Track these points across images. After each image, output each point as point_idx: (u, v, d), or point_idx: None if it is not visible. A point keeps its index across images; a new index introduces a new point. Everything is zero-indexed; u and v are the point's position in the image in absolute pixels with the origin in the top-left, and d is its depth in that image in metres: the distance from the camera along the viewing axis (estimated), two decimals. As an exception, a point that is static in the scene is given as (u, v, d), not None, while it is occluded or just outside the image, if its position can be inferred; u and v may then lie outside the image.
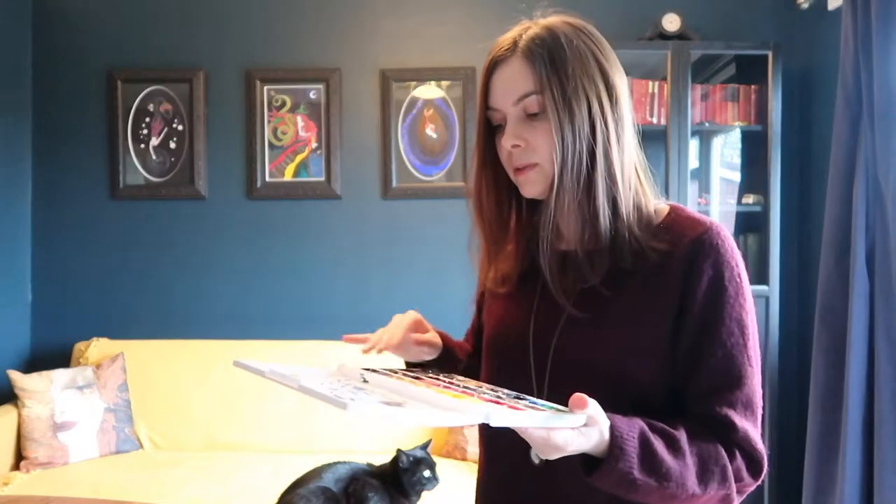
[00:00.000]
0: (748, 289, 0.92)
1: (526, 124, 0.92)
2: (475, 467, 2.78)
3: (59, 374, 2.80)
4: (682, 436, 0.84)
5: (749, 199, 2.91)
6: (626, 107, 0.94)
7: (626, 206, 0.92)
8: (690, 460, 0.83)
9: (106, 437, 2.79)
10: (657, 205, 0.97)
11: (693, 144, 2.99)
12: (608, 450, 0.78)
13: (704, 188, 3.07)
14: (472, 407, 0.73)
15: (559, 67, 0.90)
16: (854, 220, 2.28)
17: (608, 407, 0.80)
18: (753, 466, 0.88)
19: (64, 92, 3.24)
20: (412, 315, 1.06)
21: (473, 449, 2.70)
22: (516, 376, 0.95)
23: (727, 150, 3.13)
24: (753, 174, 2.95)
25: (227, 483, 2.48)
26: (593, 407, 0.76)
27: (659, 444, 0.81)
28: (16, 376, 2.76)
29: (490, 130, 0.98)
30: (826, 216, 2.42)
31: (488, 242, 1.02)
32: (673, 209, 0.97)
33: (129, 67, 3.22)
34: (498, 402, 0.78)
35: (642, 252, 0.91)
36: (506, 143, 0.93)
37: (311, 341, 3.06)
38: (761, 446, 0.89)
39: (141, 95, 3.21)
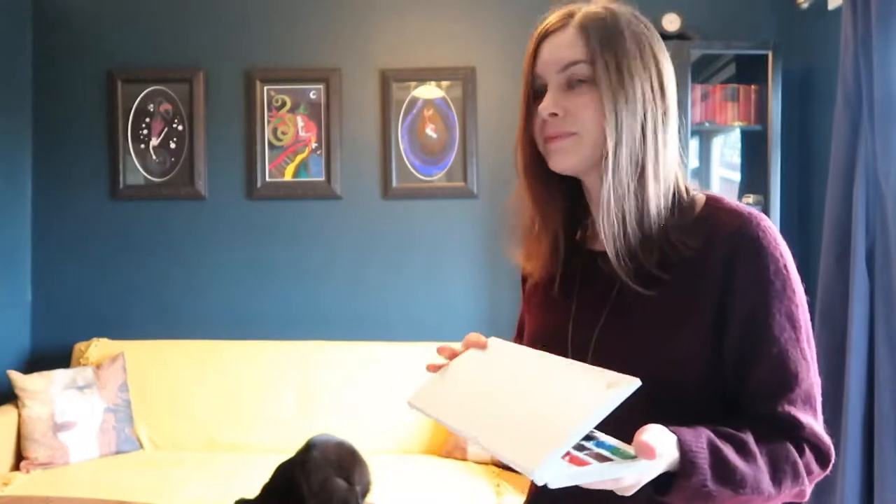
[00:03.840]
0: (797, 278, 0.88)
1: (568, 93, 0.90)
2: (476, 467, 2.79)
3: (60, 375, 2.80)
4: (749, 438, 0.82)
5: (749, 199, 2.90)
6: (673, 101, 0.92)
7: (666, 199, 0.90)
8: (762, 462, 0.81)
9: (106, 438, 2.79)
10: (694, 195, 0.95)
11: (693, 144, 2.99)
12: (679, 466, 0.76)
13: (704, 188, 3.06)
14: (543, 460, 0.68)
15: (615, 43, 0.88)
16: (854, 220, 2.28)
17: (652, 409, 0.78)
18: (821, 457, 0.87)
19: (64, 92, 3.24)
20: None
21: (474, 449, 2.70)
22: None
23: (727, 150, 3.13)
24: (753, 174, 2.94)
25: (227, 483, 2.48)
26: (659, 441, 0.72)
27: (729, 451, 0.79)
28: (16, 376, 2.76)
29: (532, 103, 0.95)
30: (826, 216, 2.41)
31: (542, 219, 0.98)
32: (710, 200, 0.94)
33: (129, 67, 3.22)
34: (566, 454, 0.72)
35: (676, 248, 0.89)
36: (543, 110, 0.90)
37: (312, 341, 3.06)
38: (827, 438, 0.88)
39: (141, 95, 3.21)
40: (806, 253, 2.96)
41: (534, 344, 1.01)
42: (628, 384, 0.72)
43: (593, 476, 0.69)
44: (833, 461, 0.88)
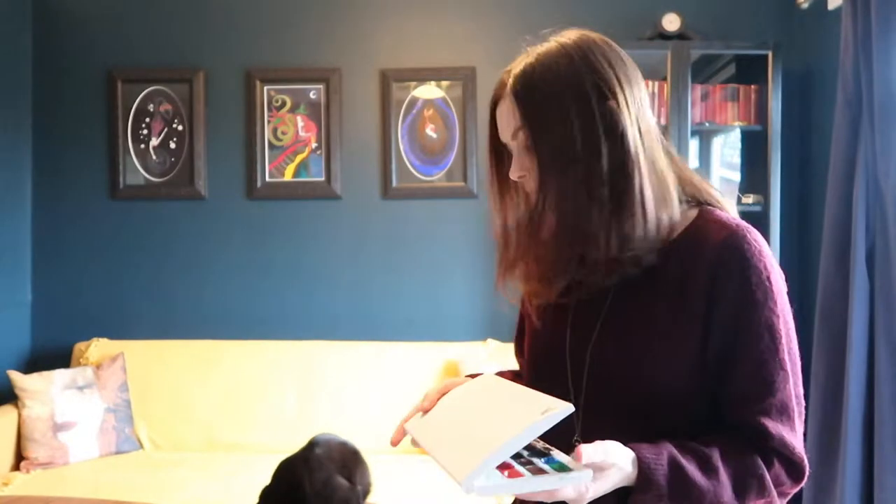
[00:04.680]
0: (781, 291, 0.89)
1: (526, 155, 0.94)
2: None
3: (60, 375, 2.80)
4: (714, 453, 0.84)
5: (749, 199, 2.91)
6: (624, 122, 0.89)
7: (636, 222, 0.89)
8: (725, 476, 0.84)
9: (106, 438, 2.79)
10: (685, 210, 0.95)
11: (693, 144, 2.99)
12: (637, 481, 0.80)
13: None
14: (470, 469, 0.74)
15: (538, 103, 0.91)
16: (854, 220, 2.28)
17: (645, 416, 0.82)
18: (793, 470, 0.88)
19: (64, 92, 3.24)
20: (439, 388, 1.03)
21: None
22: (555, 388, 0.94)
23: (727, 149, 3.13)
24: (753, 174, 2.95)
25: (227, 483, 2.48)
26: (600, 453, 0.77)
27: (691, 466, 0.82)
28: (16, 376, 2.76)
29: (502, 157, 1.01)
30: (826, 216, 2.42)
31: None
32: (701, 213, 0.95)
33: (129, 67, 3.22)
34: (507, 467, 0.77)
35: (658, 264, 0.91)
36: (512, 175, 0.96)
37: (312, 341, 3.06)
38: (800, 450, 0.88)
39: (141, 95, 3.21)
40: (806, 253, 2.96)
41: (534, 351, 1.05)
42: (561, 410, 0.76)
43: (519, 488, 0.74)
44: (807, 475, 0.89)
